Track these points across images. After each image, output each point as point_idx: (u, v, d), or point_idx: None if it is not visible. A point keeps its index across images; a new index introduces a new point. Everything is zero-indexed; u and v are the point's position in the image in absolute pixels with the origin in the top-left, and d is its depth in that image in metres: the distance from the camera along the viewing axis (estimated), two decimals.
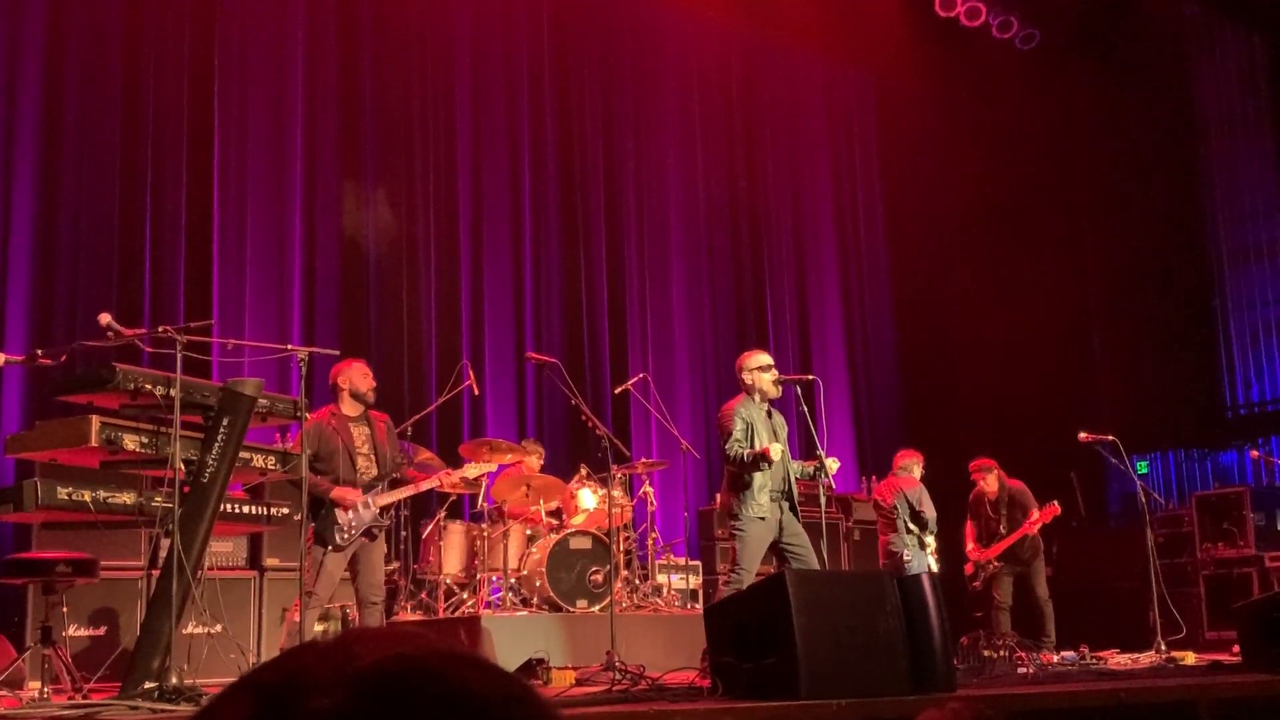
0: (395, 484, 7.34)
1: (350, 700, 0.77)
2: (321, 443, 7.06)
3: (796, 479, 7.46)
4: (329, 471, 7.06)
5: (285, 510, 6.38)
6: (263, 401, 5.74)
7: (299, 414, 6.01)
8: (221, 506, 5.67)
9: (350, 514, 6.95)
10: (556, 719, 0.83)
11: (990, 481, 9.96)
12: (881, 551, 9.53)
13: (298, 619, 6.85)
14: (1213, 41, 15.05)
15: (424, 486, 7.54)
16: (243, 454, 5.73)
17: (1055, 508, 9.56)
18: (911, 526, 9.22)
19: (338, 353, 7.34)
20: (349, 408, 7.23)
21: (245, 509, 6.28)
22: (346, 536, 6.94)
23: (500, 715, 0.79)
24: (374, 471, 7.20)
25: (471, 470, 7.67)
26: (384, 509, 7.20)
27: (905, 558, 9.13)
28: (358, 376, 7.25)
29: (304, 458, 6.24)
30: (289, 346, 6.65)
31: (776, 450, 7.13)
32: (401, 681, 0.78)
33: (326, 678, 0.78)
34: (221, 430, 5.50)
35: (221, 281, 10.16)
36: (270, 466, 6.07)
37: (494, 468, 7.70)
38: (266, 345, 7.12)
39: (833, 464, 7.40)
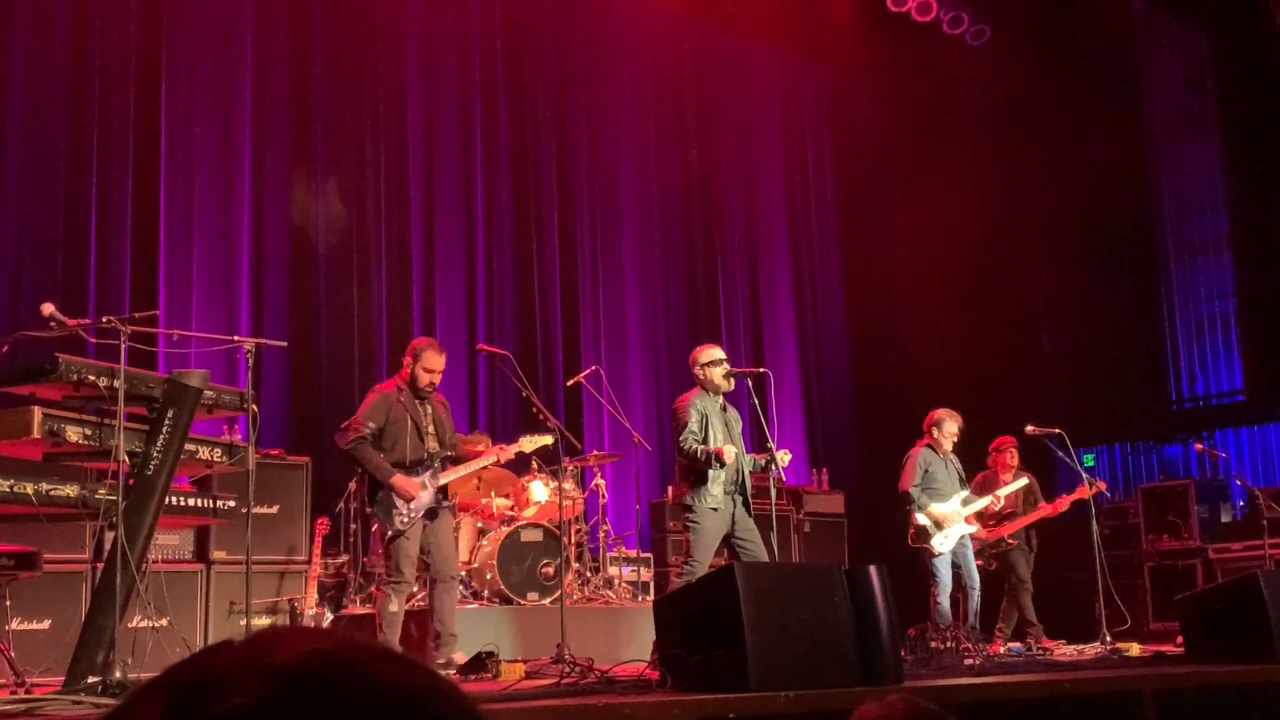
0: (453, 462, 7.31)
1: (266, 696, 0.75)
2: (390, 417, 7.02)
3: (750, 470, 7.50)
4: (393, 448, 7.00)
5: (232, 503, 6.32)
6: (209, 393, 5.67)
7: (245, 406, 5.95)
8: (167, 499, 5.60)
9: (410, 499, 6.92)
10: (474, 711, 0.83)
11: (1013, 459, 10.02)
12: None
13: (393, 607, 6.85)
14: (1161, 39, 15.21)
15: (483, 462, 7.50)
16: (188, 446, 5.66)
17: (1086, 489, 9.72)
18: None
19: (285, 344, 7.26)
20: (413, 387, 7.16)
21: (191, 502, 6.21)
22: (406, 520, 6.90)
23: (418, 708, 0.79)
24: (437, 449, 7.15)
25: (527, 444, 7.60)
26: (443, 488, 7.14)
27: None
28: (421, 369, 7.13)
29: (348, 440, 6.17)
30: (236, 338, 6.58)
31: (730, 453, 7.16)
32: (318, 676, 0.77)
33: (241, 674, 0.77)
34: (166, 422, 5.43)
35: (168, 271, 10.04)
36: (217, 459, 6.00)
37: (550, 440, 7.64)
38: (213, 336, 7.02)
39: (784, 456, 7.43)
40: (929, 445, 9.43)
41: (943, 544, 9.17)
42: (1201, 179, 14.99)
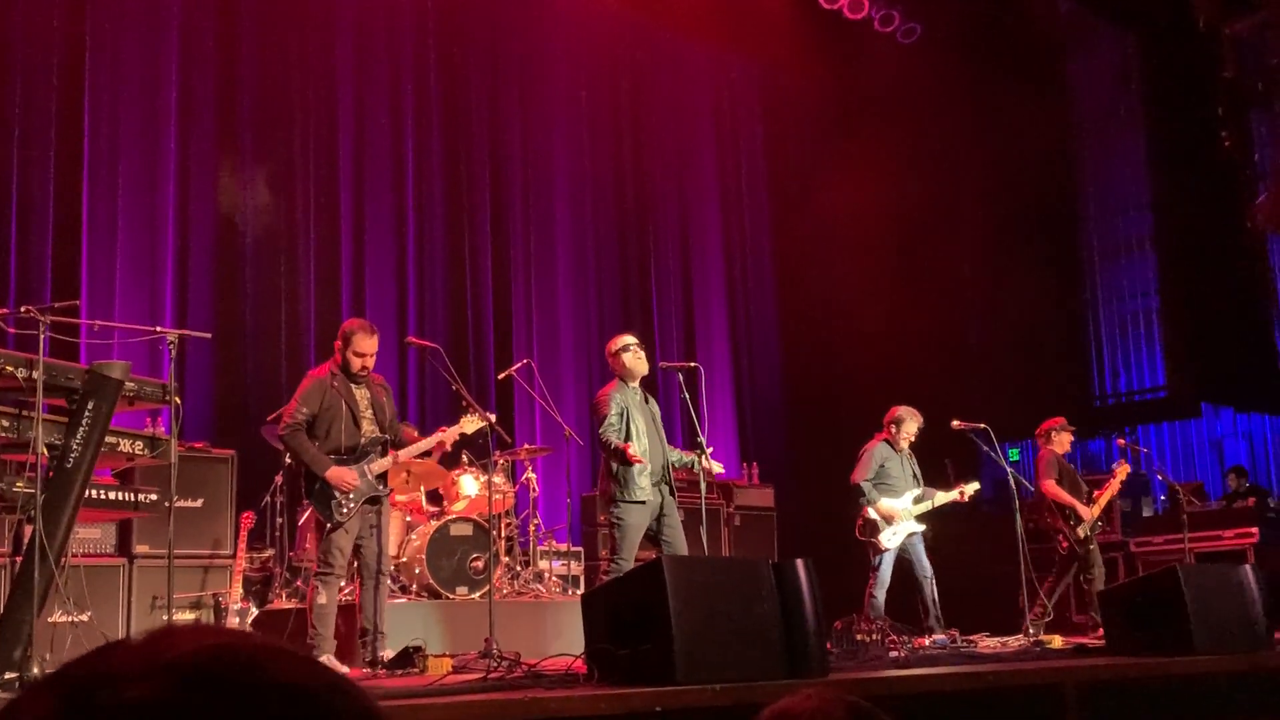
0: (395, 447, 7.11)
1: (160, 691, 0.74)
2: (324, 403, 6.85)
3: (676, 467, 7.54)
4: (328, 436, 6.83)
5: (154, 496, 6.21)
6: (130, 385, 5.58)
7: (168, 398, 5.86)
8: (87, 492, 5.51)
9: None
10: (373, 708, 0.82)
11: (1065, 441, 10.15)
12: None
13: (321, 600, 6.72)
14: (1088, 39, 15.44)
15: (425, 445, 7.28)
16: (110, 439, 5.57)
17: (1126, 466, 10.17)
18: None
19: (209, 335, 7.17)
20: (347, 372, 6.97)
21: (112, 495, 6.10)
22: (346, 511, 6.76)
23: (316, 704, 0.78)
24: (375, 434, 6.97)
25: (469, 425, 7.45)
26: (381, 476, 6.99)
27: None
28: (352, 354, 6.93)
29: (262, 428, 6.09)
30: (158, 328, 6.48)
31: (642, 451, 7.21)
32: (214, 672, 0.76)
33: (136, 670, 0.76)
34: (87, 414, 5.34)
35: (90, 261, 9.87)
36: (138, 451, 5.91)
37: (493, 418, 7.55)
38: (134, 327, 6.91)
39: (714, 466, 7.53)
40: (886, 440, 9.50)
41: (890, 540, 9.24)
42: (1126, 178, 15.25)
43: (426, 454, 7.55)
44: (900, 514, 9.27)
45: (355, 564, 7.15)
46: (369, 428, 6.98)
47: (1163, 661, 6.37)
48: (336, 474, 6.75)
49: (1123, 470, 10.26)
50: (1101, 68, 15.50)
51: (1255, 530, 11.39)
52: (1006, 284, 14.25)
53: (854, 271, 13.97)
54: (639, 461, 7.23)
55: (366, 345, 6.98)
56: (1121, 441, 10.62)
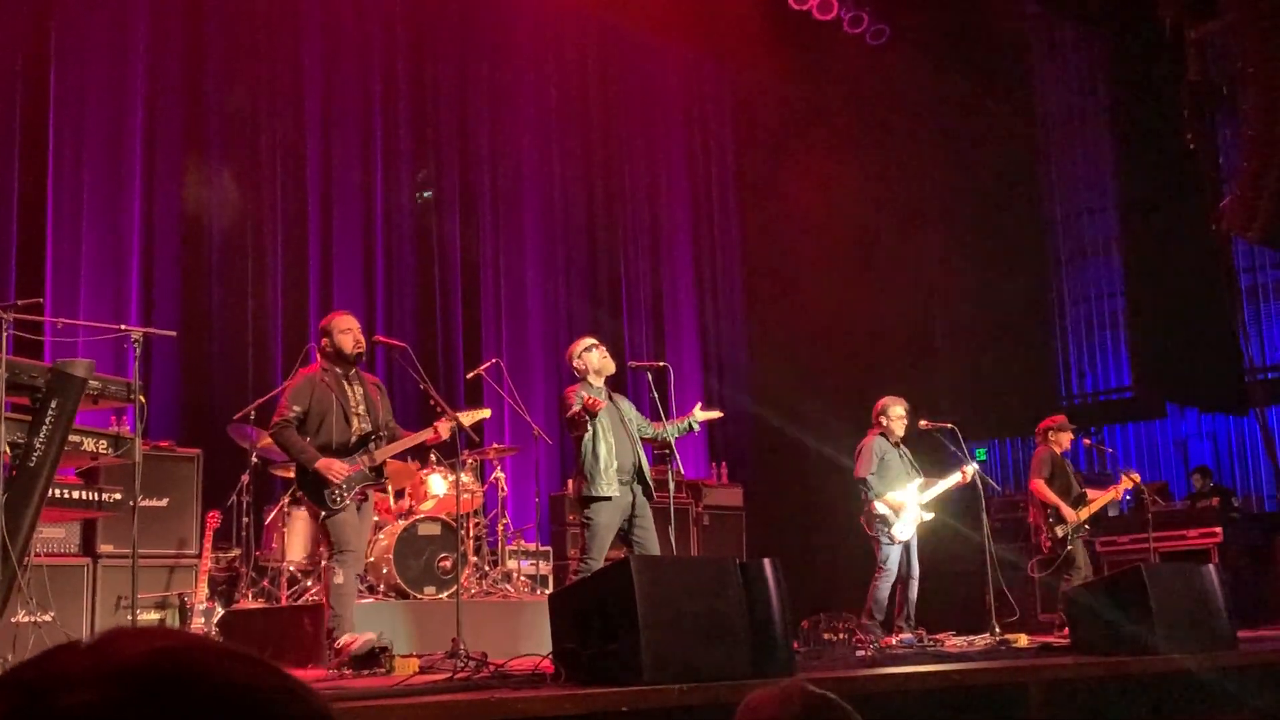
0: (389, 442, 7.06)
1: (108, 697, 0.73)
2: (314, 400, 6.78)
3: (675, 437, 7.59)
4: (319, 432, 6.76)
5: (118, 496, 6.17)
6: (94, 383, 5.54)
7: (132, 397, 5.82)
8: (50, 492, 5.46)
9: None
10: (324, 711, 0.81)
11: (1065, 441, 10.18)
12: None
13: (339, 580, 6.64)
14: (1054, 41, 15.52)
15: (419, 438, 7.23)
16: (73, 438, 5.52)
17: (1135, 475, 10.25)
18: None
19: (174, 334, 7.11)
20: (339, 365, 6.93)
21: (76, 494, 6.06)
22: (340, 499, 6.69)
23: (266, 707, 0.77)
24: (367, 429, 6.91)
25: (465, 418, 7.41)
26: (376, 468, 6.95)
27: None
28: (339, 334, 6.91)
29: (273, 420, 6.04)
30: (122, 327, 6.43)
31: (605, 447, 7.23)
32: (163, 675, 0.75)
33: (84, 673, 0.75)
34: (50, 412, 5.29)
35: (55, 259, 9.78)
36: (102, 450, 5.86)
37: (488, 414, 7.48)
38: (99, 325, 6.85)
39: (711, 414, 7.63)
40: (881, 433, 9.53)
41: (904, 532, 9.25)
42: (1093, 180, 15.34)
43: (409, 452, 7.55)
44: (907, 505, 9.30)
45: (326, 562, 7.11)
46: (360, 425, 6.92)
47: (1126, 660, 6.42)
48: (325, 463, 6.69)
49: (1128, 480, 10.32)
50: (1068, 70, 15.59)
51: (1219, 530, 11.49)
52: (973, 284, 14.32)
53: (822, 271, 14.01)
54: (599, 404, 7.21)
55: (349, 322, 6.99)
56: (1087, 441, 10.70)
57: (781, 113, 14.66)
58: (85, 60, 10.17)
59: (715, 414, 7.90)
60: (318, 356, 7.05)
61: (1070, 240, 15.70)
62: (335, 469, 6.69)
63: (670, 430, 7.65)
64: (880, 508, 9.25)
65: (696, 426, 7.74)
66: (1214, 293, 13.50)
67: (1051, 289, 15.61)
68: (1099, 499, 10.18)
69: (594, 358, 7.59)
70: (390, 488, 8.91)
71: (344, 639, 6.57)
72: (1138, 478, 10.52)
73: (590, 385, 7.56)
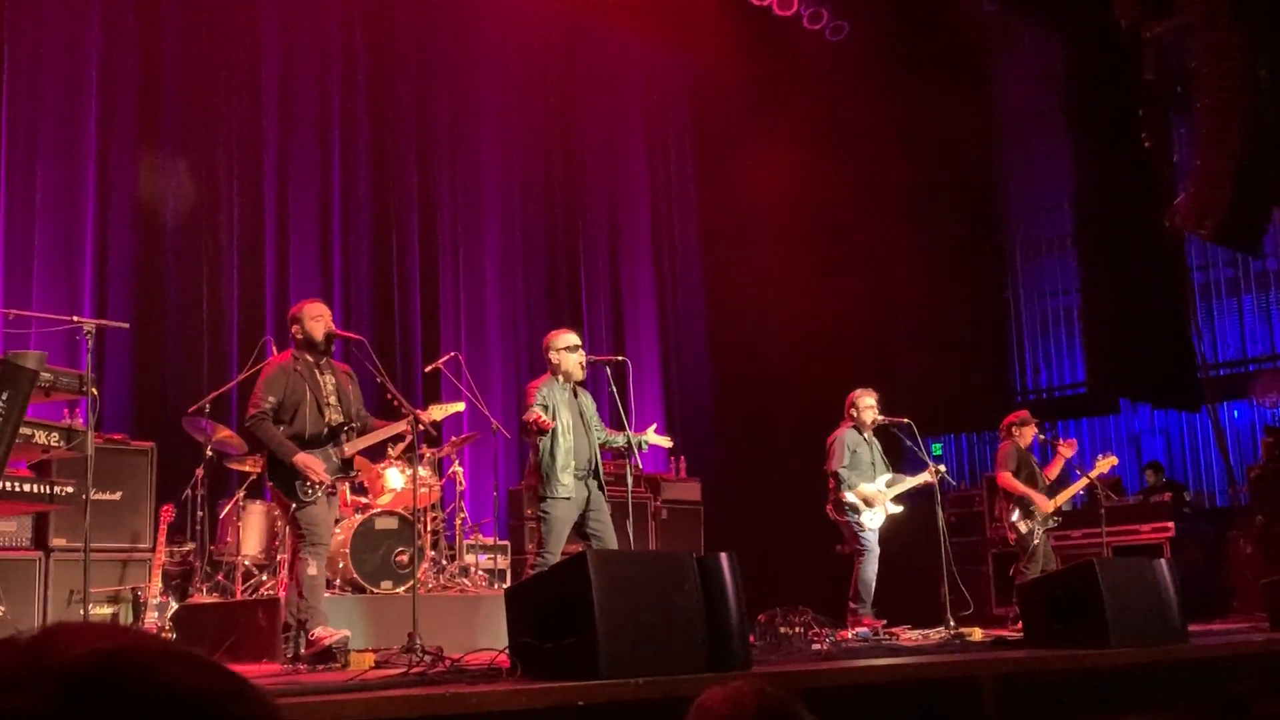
0: (360, 434, 7.02)
1: (50, 698, 0.72)
2: (288, 390, 6.73)
3: (620, 446, 7.57)
4: (292, 422, 6.71)
5: (71, 489, 6.10)
6: (46, 375, 5.47)
7: (85, 389, 5.76)
8: (2, 485, 5.40)
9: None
10: (273, 712, 0.80)
11: (1028, 435, 10.29)
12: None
13: (312, 571, 6.59)
14: (1013, 40, 15.61)
15: (391, 431, 7.18)
16: (24, 430, 5.46)
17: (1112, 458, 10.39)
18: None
19: (127, 326, 7.04)
20: (310, 353, 6.88)
21: (28, 487, 5.97)
22: (311, 492, 6.65)
23: (214, 710, 0.76)
24: (340, 421, 6.86)
25: (437, 412, 7.34)
26: (348, 461, 6.90)
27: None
28: (310, 321, 6.87)
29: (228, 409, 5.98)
30: (75, 318, 6.36)
31: (564, 445, 7.21)
32: (107, 677, 0.74)
33: (24, 674, 0.73)
34: (0, 405, 5.23)
35: (7, 249, 9.66)
36: (54, 443, 5.80)
37: (461, 407, 7.41)
38: (51, 316, 6.77)
39: (652, 437, 7.59)
40: (853, 426, 9.59)
41: (872, 521, 9.36)
42: (1049, 177, 15.44)
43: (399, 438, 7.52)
44: (877, 496, 9.39)
45: (282, 556, 7.07)
46: (333, 415, 6.88)
47: (1079, 654, 6.48)
48: (304, 459, 6.66)
49: (1104, 463, 10.46)
50: (1026, 68, 15.67)
51: (1171, 525, 11.63)
52: (930, 280, 14.40)
53: (780, 266, 14.05)
54: (547, 424, 7.20)
55: (320, 309, 6.99)
56: (1042, 437, 10.78)
57: (740, 107, 14.68)
58: (39, 47, 10.04)
59: (666, 441, 7.89)
60: (283, 347, 6.99)
61: (1026, 236, 15.82)
62: (314, 467, 6.66)
63: (621, 440, 7.64)
64: (850, 497, 9.37)
65: (645, 447, 7.70)
66: (1167, 290, 13.64)
67: (1007, 285, 15.73)
68: (1073, 486, 10.35)
69: (571, 361, 7.52)
70: (357, 480, 8.87)
71: (318, 631, 6.53)
72: (1115, 460, 10.65)
73: (555, 383, 7.50)
